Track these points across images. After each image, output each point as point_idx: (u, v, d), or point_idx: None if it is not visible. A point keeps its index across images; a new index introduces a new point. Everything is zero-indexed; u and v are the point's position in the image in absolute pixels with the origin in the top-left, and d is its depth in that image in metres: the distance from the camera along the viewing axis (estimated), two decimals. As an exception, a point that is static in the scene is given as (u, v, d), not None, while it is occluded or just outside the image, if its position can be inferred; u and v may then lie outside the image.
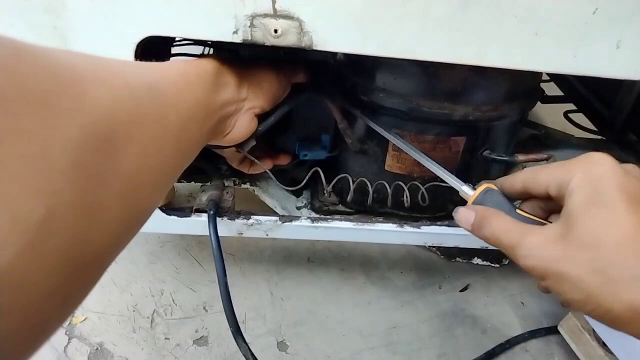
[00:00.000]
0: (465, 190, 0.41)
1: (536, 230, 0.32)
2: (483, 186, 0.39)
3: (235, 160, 0.57)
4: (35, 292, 0.17)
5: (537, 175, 0.35)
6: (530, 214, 0.36)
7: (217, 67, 0.40)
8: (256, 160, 0.55)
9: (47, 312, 0.19)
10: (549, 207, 0.36)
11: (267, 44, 0.40)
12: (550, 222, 0.35)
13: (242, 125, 0.44)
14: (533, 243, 0.32)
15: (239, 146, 0.50)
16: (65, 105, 0.18)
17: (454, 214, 0.39)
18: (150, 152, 0.25)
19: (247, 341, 0.49)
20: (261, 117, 0.49)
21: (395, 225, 0.61)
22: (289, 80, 0.51)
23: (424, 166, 0.58)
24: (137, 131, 0.24)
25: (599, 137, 0.80)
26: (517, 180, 0.37)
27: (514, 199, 0.38)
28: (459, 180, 0.42)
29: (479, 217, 0.37)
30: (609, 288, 0.28)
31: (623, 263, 0.28)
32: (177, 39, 0.57)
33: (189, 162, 0.35)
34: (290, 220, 0.60)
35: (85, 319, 0.71)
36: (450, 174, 0.44)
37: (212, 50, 0.64)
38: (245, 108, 0.44)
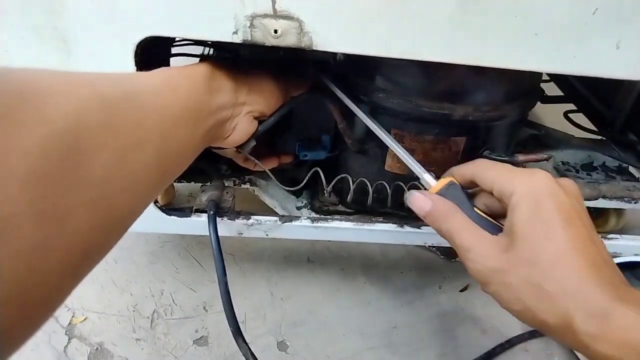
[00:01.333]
0: (427, 179, 0.42)
1: (486, 238, 0.35)
2: (447, 179, 0.40)
3: (240, 159, 0.57)
4: None
5: (485, 173, 0.38)
6: (486, 215, 0.38)
7: (211, 71, 0.40)
8: (257, 162, 0.56)
9: (9, 319, 0.19)
10: (495, 203, 0.38)
11: (267, 44, 0.40)
12: (501, 225, 0.37)
13: (242, 128, 0.45)
14: (481, 251, 0.34)
15: (240, 147, 0.50)
16: (24, 117, 0.19)
17: (407, 195, 0.41)
18: (125, 159, 0.25)
19: (247, 341, 0.49)
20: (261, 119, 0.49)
21: (395, 225, 0.61)
22: (289, 91, 0.51)
23: (423, 166, 0.58)
24: (108, 139, 0.24)
25: (599, 137, 0.80)
26: (468, 171, 0.39)
27: (465, 187, 0.40)
28: (421, 168, 0.43)
29: (438, 209, 0.38)
30: (544, 301, 0.31)
31: (557, 278, 0.31)
32: (177, 39, 0.57)
33: (181, 167, 0.35)
34: (290, 220, 0.60)
35: (85, 319, 0.71)
36: (414, 160, 0.45)
37: (212, 50, 0.64)
38: (244, 112, 0.44)
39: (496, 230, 0.37)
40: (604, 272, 0.31)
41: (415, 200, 0.40)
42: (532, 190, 0.34)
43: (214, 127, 0.40)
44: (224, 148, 0.49)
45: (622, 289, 0.31)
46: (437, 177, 0.42)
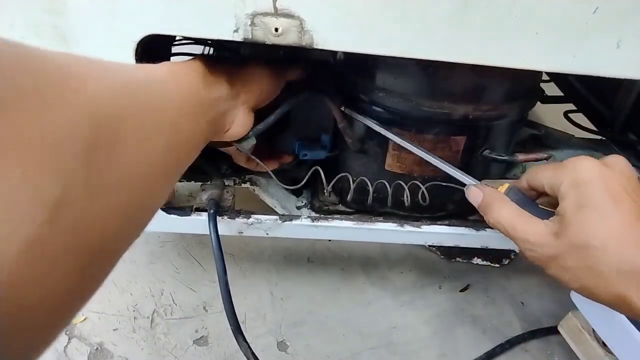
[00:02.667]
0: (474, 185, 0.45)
1: (538, 225, 0.37)
2: (506, 185, 0.42)
3: (242, 159, 0.58)
4: (57, 267, 0.18)
5: (535, 174, 0.40)
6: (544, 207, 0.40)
7: (206, 67, 0.40)
8: (258, 160, 0.56)
9: (65, 291, 0.19)
10: (553, 200, 0.40)
11: (268, 42, 0.40)
12: (553, 211, 0.38)
13: (241, 121, 0.45)
14: (535, 240, 0.36)
15: (240, 146, 0.50)
16: (67, 97, 0.20)
17: (465, 189, 0.45)
18: (144, 144, 0.26)
19: (247, 341, 0.49)
20: (261, 116, 0.49)
21: (395, 224, 0.61)
22: (283, 76, 0.51)
23: (424, 166, 0.58)
24: (133, 124, 0.25)
25: (599, 137, 0.80)
26: (523, 178, 0.42)
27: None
28: (470, 178, 0.46)
29: (486, 199, 0.41)
30: (599, 281, 0.33)
31: (609, 259, 0.32)
32: (177, 37, 0.57)
33: (190, 159, 0.36)
34: (291, 220, 0.60)
35: (85, 319, 0.71)
36: (461, 171, 0.47)
37: (212, 49, 0.64)
38: (240, 103, 0.45)
39: (548, 215, 0.38)
40: None
41: (471, 192, 0.44)
42: (578, 176, 0.35)
43: (214, 120, 0.41)
44: (226, 143, 0.49)
45: None
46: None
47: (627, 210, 0.33)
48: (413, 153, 0.57)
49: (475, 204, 0.43)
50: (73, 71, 0.22)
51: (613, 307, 0.33)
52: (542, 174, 0.39)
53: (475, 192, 0.43)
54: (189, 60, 0.40)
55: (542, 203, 0.41)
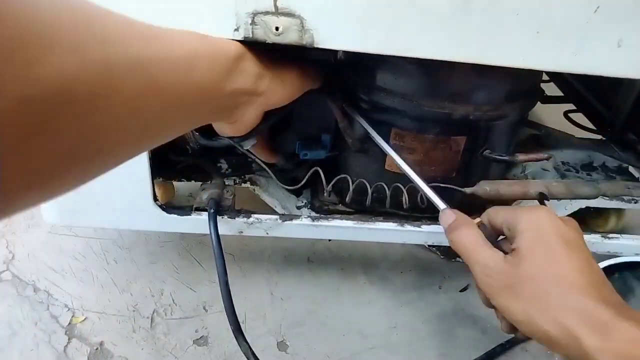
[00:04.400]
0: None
1: (498, 256, 0.39)
2: (478, 219, 0.44)
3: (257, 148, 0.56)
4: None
5: (495, 214, 0.42)
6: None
7: (241, 52, 0.38)
8: (258, 160, 0.56)
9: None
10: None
11: (268, 41, 0.40)
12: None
13: (248, 120, 0.44)
14: (493, 265, 0.38)
15: (240, 143, 0.50)
16: (7, 71, 0.18)
17: (441, 212, 0.46)
18: (124, 123, 0.26)
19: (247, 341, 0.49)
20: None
21: (395, 224, 0.61)
22: (307, 84, 0.49)
23: (423, 165, 0.58)
24: (103, 104, 0.23)
25: (599, 137, 0.80)
26: (485, 217, 0.44)
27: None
28: (442, 202, 0.47)
29: (458, 220, 0.43)
30: (546, 313, 0.34)
31: (561, 293, 0.34)
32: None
33: (177, 132, 0.34)
34: (291, 219, 0.60)
35: (85, 319, 0.71)
36: (436, 195, 0.48)
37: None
38: (258, 103, 0.42)
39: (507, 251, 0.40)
40: (604, 291, 0.35)
41: (446, 214, 0.45)
42: (535, 219, 0.38)
43: (224, 109, 0.39)
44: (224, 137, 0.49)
45: (621, 308, 0.34)
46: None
47: (576, 256, 0.36)
48: (413, 153, 0.57)
49: (446, 224, 0.44)
50: (41, 37, 0.19)
51: (556, 345, 0.34)
52: (501, 214, 0.42)
53: (450, 214, 0.45)
54: (228, 41, 0.38)
55: (501, 243, 0.43)
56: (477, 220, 0.44)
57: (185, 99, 0.32)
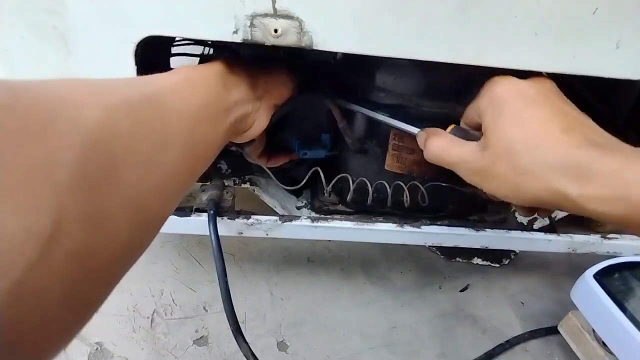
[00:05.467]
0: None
1: (468, 146, 0.39)
2: (451, 126, 0.44)
3: (254, 154, 0.57)
4: (50, 299, 0.18)
5: (467, 111, 0.43)
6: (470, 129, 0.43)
7: (226, 68, 0.40)
8: (257, 161, 0.56)
9: (62, 320, 0.20)
10: None
11: (267, 43, 0.40)
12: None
13: (260, 123, 0.45)
14: (465, 158, 0.38)
15: (242, 148, 0.50)
16: (61, 128, 0.20)
17: (417, 137, 0.46)
18: (154, 160, 0.26)
19: (247, 341, 0.49)
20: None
21: (395, 224, 0.61)
22: (297, 77, 0.52)
23: (423, 166, 0.58)
24: (136, 143, 0.25)
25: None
26: (462, 120, 0.44)
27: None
28: (414, 127, 0.47)
29: (426, 135, 0.43)
30: (526, 179, 0.33)
31: (533, 156, 0.33)
32: (177, 38, 0.57)
33: (207, 163, 0.36)
34: (291, 220, 0.60)
35: (85, 319, 0.71)
36: (404, 123, 0.48)
37: (212, 50, 0.64)
38: (263, 106, 0.45)
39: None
40: (582, 134, 0.33)
41: (419, 137, 0.45)
42: (494, 93, 0.38)
43: (235, 121, 0.40)
44: (242, 145, 0.50)
45: (606, 145, 0.33)
46: None
47: (541, 110, 0.35)
48: (413, 153, 0.57)
49: (421, 146, 0.44)
50: (68, 98, 0.21)
51: (554, 204, 0.33)
52: (469, 107, 0.41)
53: (421, 135, 0.44)
54: (210, 63, 0.40)
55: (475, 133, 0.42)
56: (451, 127, 0.44)
57: (202, 118, 0.33)
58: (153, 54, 0.44)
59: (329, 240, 0.87)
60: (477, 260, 0.85)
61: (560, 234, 0.65)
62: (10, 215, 0.16)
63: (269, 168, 0.62)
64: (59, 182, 0.19)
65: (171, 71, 0.35)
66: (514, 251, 0.84)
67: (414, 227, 0.61)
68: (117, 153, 0.23)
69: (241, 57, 0.45)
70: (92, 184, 0.20)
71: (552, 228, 0.67)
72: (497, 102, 0.37)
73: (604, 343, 0.63)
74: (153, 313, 0.73)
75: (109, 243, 0.22)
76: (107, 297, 0.24)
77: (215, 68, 0.39)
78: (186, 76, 0.35)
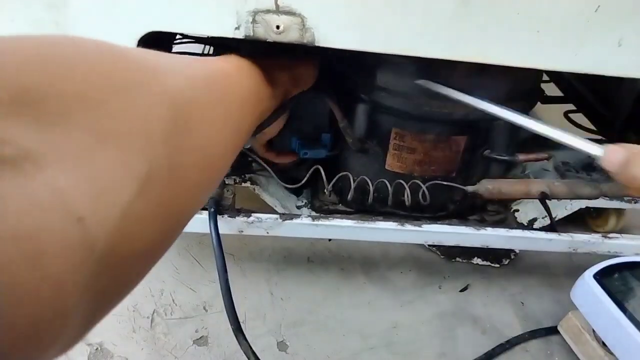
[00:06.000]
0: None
1: None
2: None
3: (261, 149, 0.59)
4: (145, 235, 0.21)
5: None
6: None
7: (265, 64, 0.41)
8: (257, 159, 0.56)
9: (150, 249, 0.23)
10: None
11: (269, 40, 0.40)
12: None
13: (280, 120, 0.48)
14: None
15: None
16: (155, 89, 0.22)
17: (602, 150, 0.37)
18: (217, 128, 0.29)
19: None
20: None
21: (396, 223, 0.61)
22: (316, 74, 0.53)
23: (424, 165, 0.58)
24: (208, 109, 0.28)
25: (599, 137, 0.80)
26: None
27: None
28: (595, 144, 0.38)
29: (625, 156, 0.35)
30: None
31: None
32: (177, 37, 0.57)
33: (244, 142, 0.38)
34: (291, 218, 0.60)
35: (84, 318, 0.70)
36: (583, 140, 0.39)
37: (212, 49, 0.64)
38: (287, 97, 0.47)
39: None
40: None
41: (611, 152, 0.36)
42: None
43: (263, 113, 0.42)
44: None
45: None
46: None
47: None
48: (414, 153, 0.57)
49: (615, 167, 0.36)
50: (151, 65, 0.24)
51: None
52: None
53: (616, 150, 0.36)
54: (251, 57, 0.41)
55: None
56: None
57: (247, 100, 0.37)
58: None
59: (329, 240, 0.87)
60: (477, 260, 0.85)
61: (561, 234, 0.65)
62: (117, 160, 0.19)
63: (270, 166, 0.61)
64: (152, 132, 0.21)
65: (222, 56, 0.37)
66: (514, 251, 0.84)
67: (414, 226, 0.61)
68: (193, 116, 0.25)
69: (273, 50, 0.46)
70: (175, 139, 0.23)
71: (553, 228, 0.67)
72: None
73: (604, 343, 0.63)
74: (153, 313, 0.72)
75: (185, 193, 0.25)
76: (172, 242, 0.27)
77: (255, 62, 0.40)
78: (237, 64, 0.37)
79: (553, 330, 0.73)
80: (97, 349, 0.67)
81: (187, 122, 0.25)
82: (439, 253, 0.86)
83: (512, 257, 0.85)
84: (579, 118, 0.84)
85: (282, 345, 0.70)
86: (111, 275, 0.20)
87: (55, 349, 0.18)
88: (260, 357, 0.49)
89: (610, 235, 0.67)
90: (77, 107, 0.18)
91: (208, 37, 0.54)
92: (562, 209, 0.72)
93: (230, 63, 0.36)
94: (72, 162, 0.17)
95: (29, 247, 0.15)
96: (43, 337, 0.16)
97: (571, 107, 0.88)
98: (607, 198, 0.67)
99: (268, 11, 0.38)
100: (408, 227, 0.61)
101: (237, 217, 0.58)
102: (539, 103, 0.65)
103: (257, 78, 0.39)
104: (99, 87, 0.19)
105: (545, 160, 0.62)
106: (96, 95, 0.19)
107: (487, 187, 0.57)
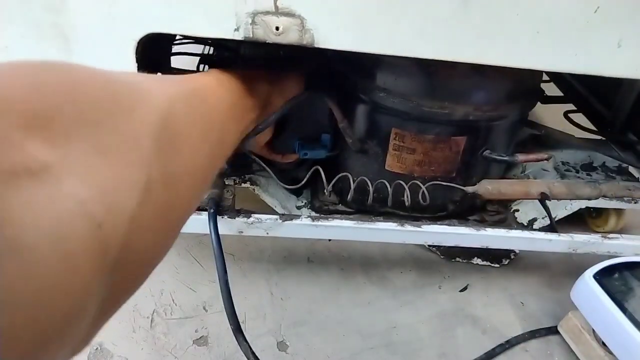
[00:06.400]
0: None
1: None
2: None
3: (265, 150, 0.60)
4: (150, 240, 0.24)
5: None
6: None
7: (247, 75, 0.43)
8: (257, 160, 0.56)
9: (152, 250, 0.25)
10: None
11: (269, 41, 0.40)
12: None
13: (270, 128, 0.50)
14: None
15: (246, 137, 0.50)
16: (144, 109, 0.24)
17: None
18: (201, 141, 0.31)
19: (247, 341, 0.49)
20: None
21: (395, 224, 0.61)
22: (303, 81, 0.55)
23: (424, 166, 0.58)
24: (190, 126, 0.30)
25: (599, 137, 0.80)
26: None
27: None
28: None
29: None
30: None
31: None
32: (177, 37, 0.57)
33: (227, 156, 0.40)
34: (291, 219, 0.60)
35: (84, 318, 0.71)
36: None
37: (211, 49, 0.64)
38: (272, 109, 0.49)
39: None
40: None
41: None
42: None
43: (248, 124, 0.44)
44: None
45: None
46: None
47: None
48: (414, 153, 0.57)
49: None
50: (142, 88, 0.26)
51: None
52: None
53: None
54: (232, 70, 0.43)
55: None
56: None
57: (231, 115, 0.38)
58: (154, 52, 0.44)
59: (329, 240, 0.87)
60: (477, 260, 0.85)
61: (561, 234, 0.65)
62: (120, 171, 0.21)
63: (270, 167, 0.61)
64: (145, 148, 0.23)
65: (203, 72, 0.40)
66: (514, 251, 0.84)
67: (414, 226, 0.61)
68: (178, 132, 0.27)
69: (256, 62, 0.48)
70: (166, 153, 0.25)
71: (552, 228, 0.67)
72: None
73: (603, 343, 0.63)
74: (153, 313, 0.73)
75: (177, 201, 0.27)
76: (168, 250, 0.29)
77: (237, 74, 0.42)
78: (218, 78, 0.39)
79: (553, 330, 0.73)
80: (97, 348, 0.67)
81: (173, 138, 0.27)
82: (438, 253, 0.86)
83: (512, 257, 0.85)
84: (579, 118, 0.84)
85: (282, 345, 0.70)
86: (118, 278, 0.21)
87: (65, 351, 0.19)
88: (260, 357, 0.49)
89: (610, 235, 0.67)
90: (78, 126, 0.20)
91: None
92: (562, 209, 0.72)
93: (211, 79, 0.38)
94: (83, 174, 0.19)
95: (63, 252, 0.16)
96: (65, 336, 0.18)
97: (571, 107, 0.88)
98: (607, 198, 0.67)
99: (267, 12, 0.38)
100: (408, 227, 0.61)
101: (237, 218, 0.58)
102: (539, 103, 0.65)
103: (238, 92, 0.41)
104: (94, 109, 0.21)
105: (545, 161, 0.62)
106: (92, 116, 0.21)
107: (487, 187, 0.57)
